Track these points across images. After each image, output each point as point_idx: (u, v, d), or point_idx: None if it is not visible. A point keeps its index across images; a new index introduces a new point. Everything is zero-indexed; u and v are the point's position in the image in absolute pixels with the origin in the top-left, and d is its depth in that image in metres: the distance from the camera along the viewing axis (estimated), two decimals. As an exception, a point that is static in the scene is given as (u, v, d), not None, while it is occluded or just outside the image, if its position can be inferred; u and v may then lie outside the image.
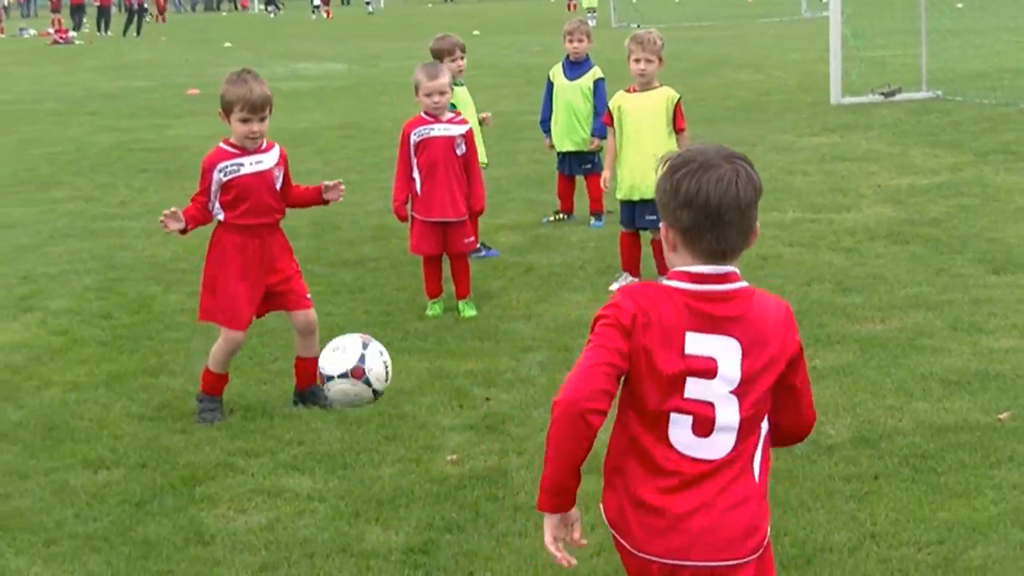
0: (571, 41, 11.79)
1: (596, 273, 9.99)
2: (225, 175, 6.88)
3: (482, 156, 10.26)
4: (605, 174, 9.50)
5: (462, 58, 10.53)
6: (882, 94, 20.47)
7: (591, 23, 48.55)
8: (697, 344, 3.19)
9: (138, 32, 52.62)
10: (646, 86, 9.29)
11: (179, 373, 7.81)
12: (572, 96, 11.69)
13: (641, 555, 3.26)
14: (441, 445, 6.47)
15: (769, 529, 3.32)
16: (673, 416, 3.21)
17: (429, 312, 8.86)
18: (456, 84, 9.97)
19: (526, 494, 5.80)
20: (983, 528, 5.32)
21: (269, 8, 71.38)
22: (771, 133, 17.24)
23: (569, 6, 66.12)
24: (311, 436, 6.64)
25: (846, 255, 10.32)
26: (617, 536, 3.32)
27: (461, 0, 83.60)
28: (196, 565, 5.24)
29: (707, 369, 3.19)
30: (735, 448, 3.23)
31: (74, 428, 6.88)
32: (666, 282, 3.24)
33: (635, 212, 9.36)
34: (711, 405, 3.20)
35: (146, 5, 56.18)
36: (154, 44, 45.90)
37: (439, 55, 10.38)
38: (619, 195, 9.41)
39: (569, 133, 11.73)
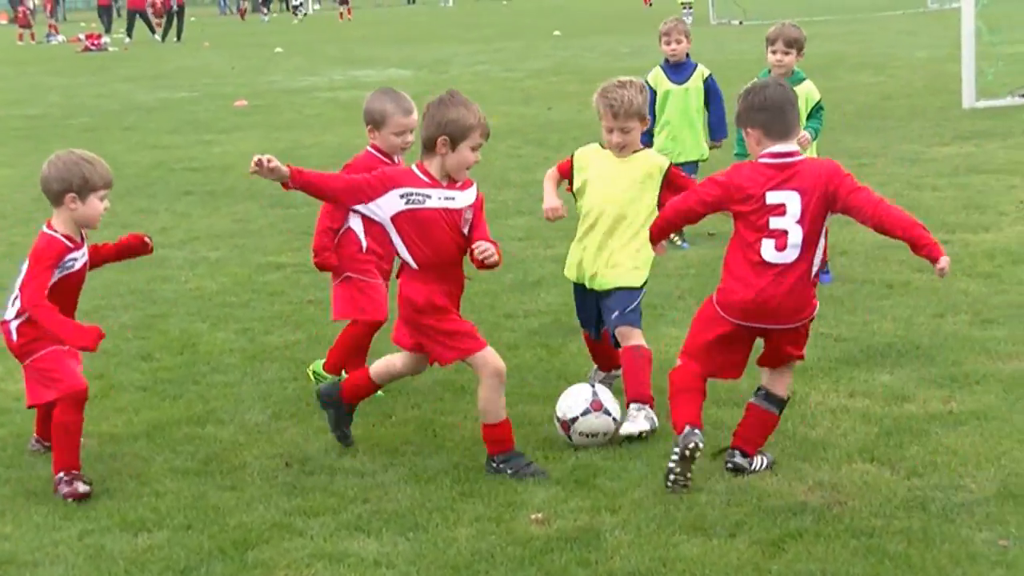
0: (668, 43, 11.84)
1: (696, 304, 9.89)
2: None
3: None
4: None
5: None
6: (1023, 96, 20.23)
7: (687, 20, 48.54)
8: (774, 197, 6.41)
9: (178, 37, 53.27)
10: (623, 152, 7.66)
11: (228, 422, 7.86)
12: (684, 101, 11.79)
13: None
14: (525, 502, 6.45)
15: (814, 309, 6.63)
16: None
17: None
18: None
19: (621, 558, 5.76)
20: None
21: (264, 12, 72.51)
22: (896, 143, 17.09)
23: (645, 1, 66.54)
24: (377, 493, 6.64)
25: (985, 281, 10.19)
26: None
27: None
28: (249, 640, 5.25)
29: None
30: (801, 255, 6.43)
31: (111, 485, 6.93)
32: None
33: (596, 304, 7.77)
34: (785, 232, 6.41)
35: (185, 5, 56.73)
36: (196, 50, 46.51)
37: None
38: (567, 273, 7.91)
39: (686, 142, 11.80)
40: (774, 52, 10.51)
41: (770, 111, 6.47)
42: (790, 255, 6.40)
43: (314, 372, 8.46)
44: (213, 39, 52.48)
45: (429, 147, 6.77)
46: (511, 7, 75.10)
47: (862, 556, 5.68)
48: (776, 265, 6.41)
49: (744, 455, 6.69)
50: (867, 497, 6.29)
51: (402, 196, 6.73)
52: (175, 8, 54.18)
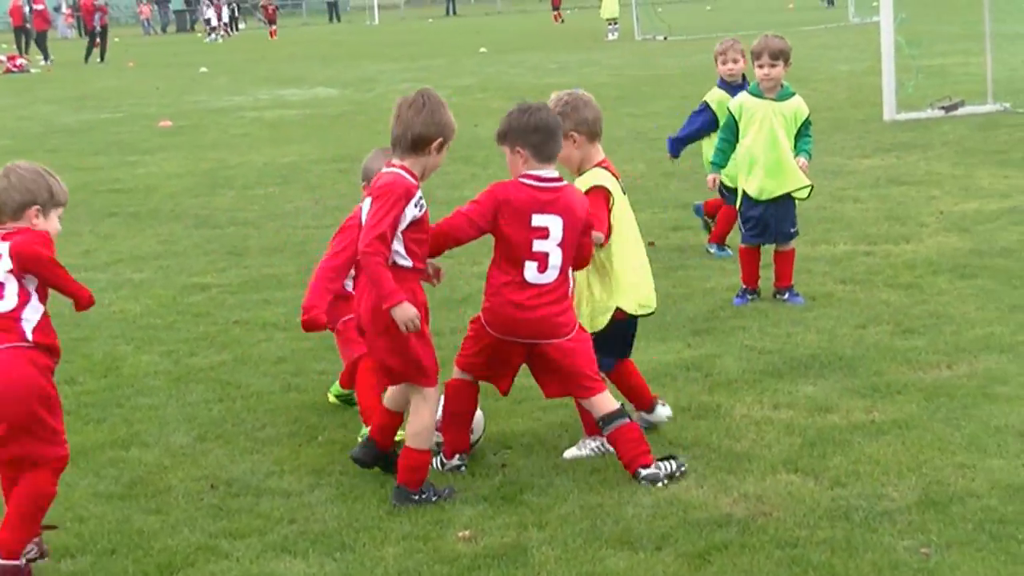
0: (724, 62, 11.55)
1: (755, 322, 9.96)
2: (420, 209, 6.58)
3: None
4: None
5: None
6: (942, 108, 20.49)
7: (612, 36, 48.81)
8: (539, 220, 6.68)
9: (102, 57, 52.70)
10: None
11: (152, 445, 7.81)
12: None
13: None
14: (452, 520, 6.45)
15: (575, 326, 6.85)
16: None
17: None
18: None
19: (548, 574, 5.78)
20: (1071, 602, 5.27)
21: (211, 33, 72.09)
22: (818, 155, 17.10)
23: (555, 17, 67.32)
24: (304, 513, 6.62)
25: (906, 292, 10.31)
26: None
27: (464, 14, 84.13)
28: (175, 664, 5.22)
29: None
30: (560, 277, 6.74)
31: (35, 510, 6.85)
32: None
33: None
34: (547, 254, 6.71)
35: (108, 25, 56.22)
36: (120, 71, 46.19)
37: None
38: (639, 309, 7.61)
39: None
40: (760, 66, 10.00)
41: (543, 133, 6.69)
42: (550, 276, 6.70)
43: (337, 395, 8.29)
44: (138, 59, 52.14)
45: (420, 147, 6.61)
46: (436, 26, 75.19)
47: (786, 567, 5.72)
48: (537, 285, 6.70)
49: (646, 467, 6.74)
50: (791, 508, 6.34)
51: (415, 204, 6.57)
52: (98, 28, 53.57)
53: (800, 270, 10.86)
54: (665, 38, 45.53)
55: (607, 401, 6.87)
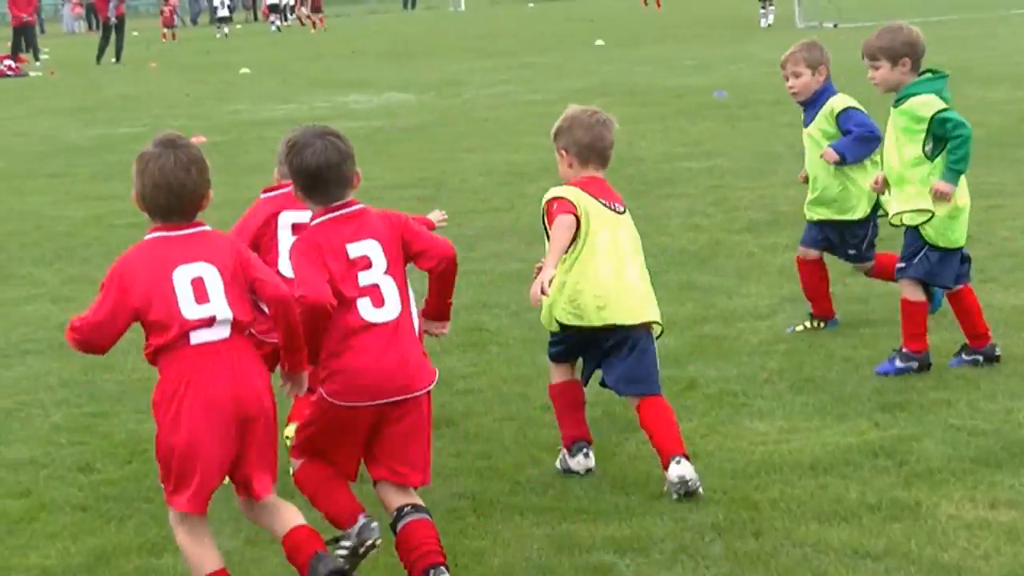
0: (786, 78, 11.54)
1: (789, 390, 9.93)
2: None
3: None
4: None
5: None
6: None
7: (766, 21, 48.77)
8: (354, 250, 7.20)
9: (117, 57, 53.12)
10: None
11: (190, 550, 7.85)
12: (811, 149, 11.43)
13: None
14: None
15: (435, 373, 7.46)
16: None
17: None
18: None
19: None
20: None
21: (219, 27, 73.40)
22: (1038, 176, 17.09)
23: (644, 1, 68.25)
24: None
25: None
26: None
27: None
28: None
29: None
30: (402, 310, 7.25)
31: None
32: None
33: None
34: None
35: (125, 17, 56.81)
36: (141, 73, 46.78)
37: None
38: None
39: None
40: (867, 68, 10.50)
41: (306, 176, 7.31)
42: (391, 311, 7.20)
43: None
44: (162, 58, 52.81)
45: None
46: (539, 12, 75.55)
47: None
48: (381, 324, 7.17)
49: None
50: (1017, 637, 6.28)
51: None
52: (114, 20, 53.49)
53: (1019, 326, 10.74)
54: (835, 25, 45.39)
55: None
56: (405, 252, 7.30)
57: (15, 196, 21.52)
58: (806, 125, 11.34)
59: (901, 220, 10.14)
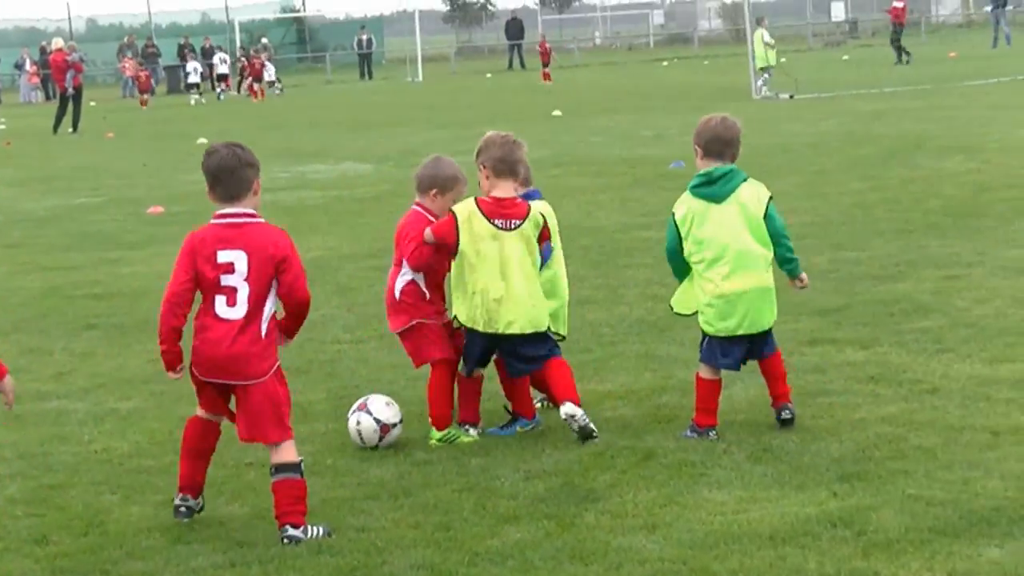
0: None
1: (747, 459, 9.95)
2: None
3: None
4: None
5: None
6: None
7: (760, 94, 48.92)
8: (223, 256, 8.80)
9: (74, 127, 52.99)
10: None
11: (148, 623, 7.83)
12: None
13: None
14: None
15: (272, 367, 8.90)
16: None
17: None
18: None
19: None
20: None
21: (192, 93, 73.89)
22: (995, 248, 17.16)
23: (544, 76, 69.27)
24: None
25: (1117, 424, 10.22)
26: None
27: (533, 67, 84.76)
28: None
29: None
30: (250, 312, 8.83)
31: None
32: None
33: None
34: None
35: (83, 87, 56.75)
36: (98, 143, 46.75)
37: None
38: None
39: None
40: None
41: (208, 175, 9.06)
42: (240, 311, 8.83)
43: (438, 440, 10.71)
44: (118, 127, 52.80)
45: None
46: (496, 82, 75.84)
47: None
48: (229, 320, 8.83)
49: (295, 527, 8.80)
50: None
51: None
52: (70, 91, 53.25)
53: (976, 397, 10.79)
54: (791, 96, 45.68)
55: (289, 450, 9.00)
56: (276, 272, 8.90)
57: (-29, 267, 21.41)
58: None
59: None
